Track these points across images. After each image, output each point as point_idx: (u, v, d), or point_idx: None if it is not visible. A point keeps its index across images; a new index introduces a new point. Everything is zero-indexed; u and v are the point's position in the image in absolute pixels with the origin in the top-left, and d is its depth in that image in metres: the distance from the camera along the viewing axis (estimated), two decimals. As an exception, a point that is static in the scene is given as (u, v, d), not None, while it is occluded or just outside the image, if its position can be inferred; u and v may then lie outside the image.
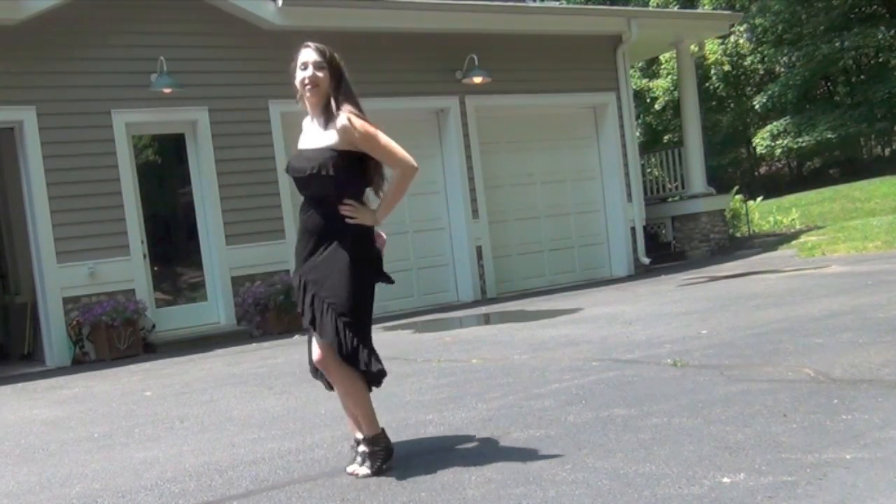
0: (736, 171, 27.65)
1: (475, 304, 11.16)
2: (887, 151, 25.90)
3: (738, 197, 15.92)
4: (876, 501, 2.51)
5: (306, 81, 3.41)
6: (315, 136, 3.44)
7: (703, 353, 5.21)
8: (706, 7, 24.87)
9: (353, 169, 3.38)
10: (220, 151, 9.97)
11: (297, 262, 3.48)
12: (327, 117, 3.41)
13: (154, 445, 4.45)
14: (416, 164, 3.40)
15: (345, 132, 3.36)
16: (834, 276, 8.87)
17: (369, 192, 3.51)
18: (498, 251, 12.01)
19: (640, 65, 25.40)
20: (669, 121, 26.03)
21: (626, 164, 12.95)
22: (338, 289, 3.31)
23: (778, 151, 24.21)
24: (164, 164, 10.64)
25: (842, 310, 6.30)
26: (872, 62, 25.19)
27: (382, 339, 7.97)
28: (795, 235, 14.19)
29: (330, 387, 3.53)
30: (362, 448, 3.41)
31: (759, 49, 25.55)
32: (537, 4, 14.16)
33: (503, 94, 11.89)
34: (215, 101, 9.98)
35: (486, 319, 9.42)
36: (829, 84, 26.48)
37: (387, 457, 3.41)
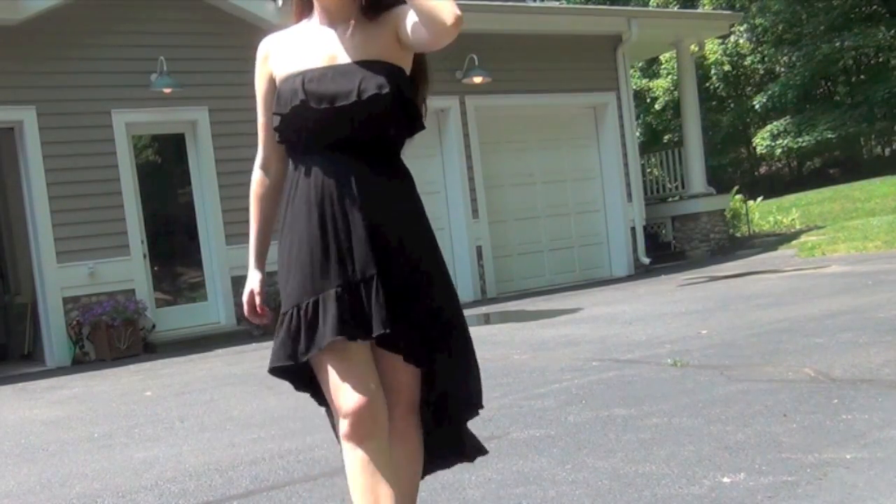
0: (736, 171, 27.64)
1: (475, 304, 11.16)
2: (887, 151, 25.89)
3: (738, 197, 15.92)
4: (876, 501, 2.51)
5: None
6: (349, 44, 2.13)
7: (703, 353, 5.21)
8: (706, 7, 24.86)
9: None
10: (220, 151, 9.97)
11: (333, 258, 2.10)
12: (369, 10, 2.14)
13: (154, 445, 4.45)
14: None
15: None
16: (834, 275, 8.87)
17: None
18: (498, 251, 12.01)
19: (640, 65, 25.39)
20: (669, 121, 26.02)
21: (626, 164, 12.94)
22: (452, 293, 2.22)
23: (778, 151, 24.21)
24: (164, 164, 10.64)
25: (842, 310, 6.30)
26: (872, 62, 25.19)
27: (382, 339, 7.94)
28: (795, 235, 14.19)
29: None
30: None
31: (759, 49, 25.55)
32: (537, 4, 14.15)
33: (503, 94, 11.89)
34: (215, 101, 9.97)
35: (486, 319, 9.42)
36: (829, 84, 26.48)
37: None
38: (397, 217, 2.16)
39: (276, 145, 2.25)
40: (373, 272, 2.07)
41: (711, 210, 13.93)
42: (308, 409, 4.98)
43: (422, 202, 2.26)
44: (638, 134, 17.92)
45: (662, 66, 25.90)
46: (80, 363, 9.01)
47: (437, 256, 2.22)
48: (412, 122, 2.17)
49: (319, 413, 4.50)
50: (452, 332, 2.15)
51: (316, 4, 2.20)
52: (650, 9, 23.60)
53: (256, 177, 2.37)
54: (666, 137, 26.16)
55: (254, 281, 2.35)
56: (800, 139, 23.28)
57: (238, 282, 9.87)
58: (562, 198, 12.79)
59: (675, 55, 16.38)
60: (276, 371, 2.18)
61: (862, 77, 25.06)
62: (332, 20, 2.17)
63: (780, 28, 24.49)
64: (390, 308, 2.06)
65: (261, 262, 2.37)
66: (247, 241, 2.48)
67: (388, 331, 2.02)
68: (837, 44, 22.75)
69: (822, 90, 26.54)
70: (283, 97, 2.14)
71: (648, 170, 15.06)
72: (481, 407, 2.24)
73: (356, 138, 2.12)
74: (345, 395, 2.05)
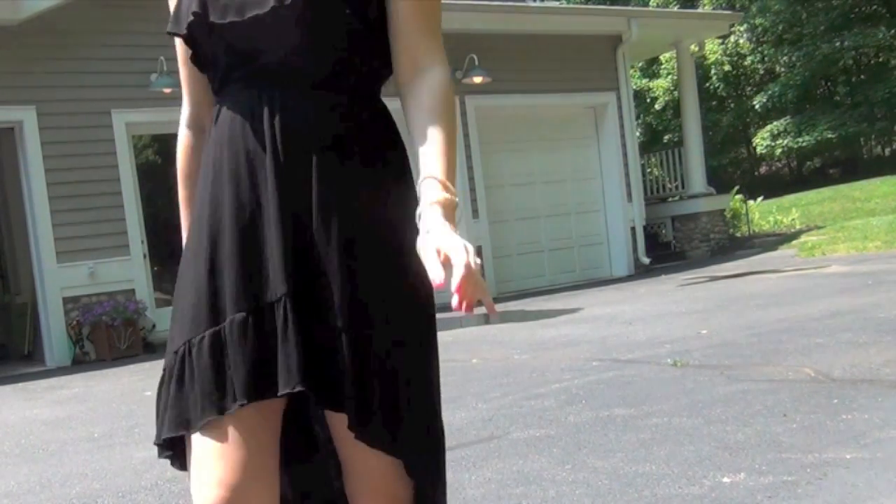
0: (736, 171, 27.66)
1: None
2: (887, 151, 25.90)
3: (738, 197, 15.92)
4: (876, 501, 2.51)
5: None
6: None
7: (703, 353, 5.21)
8: (706, 7, 24.88)
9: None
10: (220, 151, 9.97)
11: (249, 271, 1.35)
12: None
13: (154, 445, 4.44)
14: None
15: None
16: (834, 275, 8.86)
17: None
18: (498, 251, 12.01)
19: (640, 65, 25.39)
20: (669, 121, 26.03)
21: (626, 164, 12.94)
22: (429, 360, 1.43)
23: (778, 151, 24.22)
24: (164, 164, 10.64)
25: (842, 310, 6.30)
26: (872, 62, 25.21)
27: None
28: (795, 235, 14.19)
29: None
30: None
31: (759, 49, 25.56)
32: (537, 4, 14.15)
33: (503, 94, 11.89)
34: (215, 100, 9.97)
35: (486, 319, 9.42)
36: (829, 84, 26.48)
37: None
38: (343, 199, 1.35)
39: (207, 91, 1.50)
40: (282, 292, 1.31)
41: (711, 210, 13.93)
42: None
43: (408, 185, 1.43)
44: (638, 134, 17.92)
45: (662, 66, 25.91)
46: (80, 363, 9.01)
47: (403, 270, 1.34)
48: (374, 43, 1.40)
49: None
50: (399, 392, 1.34)
51: None
52: (650, 9, 23.61)
53: (185, 139, 1.55)
54: (666, 137, 26.16)
55: None
56: (800, 139, 23.29)
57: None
58: (562, 198, 12.79)
59: (675, 55, 16.38)
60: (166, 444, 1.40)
61: (862, 77, 25.07)
62: None
63: (780, 28, 24.50)
64: (312, 347, 1.30)
65: None
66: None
67: (297, 388, 1.28)
68: (837, 44, 22.76)
69: (822, 90, 26.55)
70: (180, 13, 1.42)
71: (648, 170, 15.06)
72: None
73: (287, 67, 1.37)
74: (199, 490, 1.33)
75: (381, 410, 1.32)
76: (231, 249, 1.35)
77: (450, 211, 1.27)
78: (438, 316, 1.43)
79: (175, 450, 1.40)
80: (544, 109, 12.53)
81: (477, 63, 11.40)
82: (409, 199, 1.39)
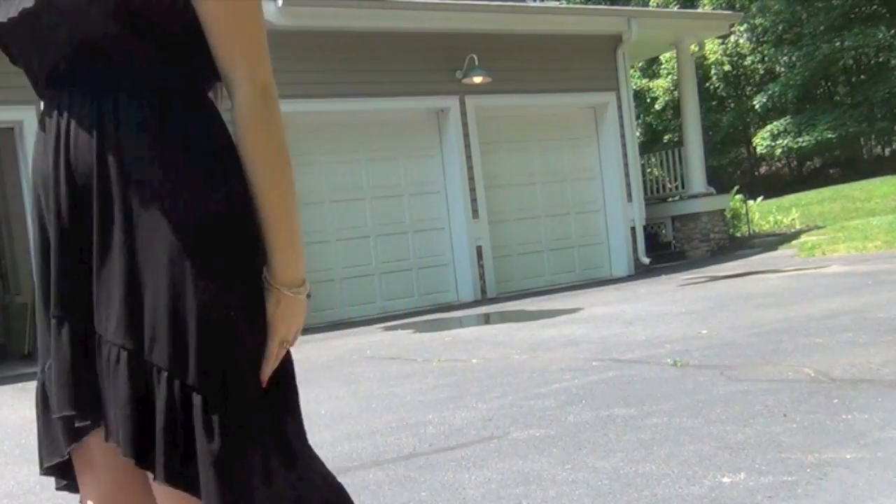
0: (736, 171, 27.67)
1: (475, 304, 11.16)
2: (887, 151, 25.91)
3: (738, 197, 15.92)
4: (876, 501, 2.51)
5: None
6: None
7: (703, 353, 5.21)
8: (706, 7, 24.89)
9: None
10: (220, 151, 9.96)
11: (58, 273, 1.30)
12: None
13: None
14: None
15: None
16: (834, 275, 8.87)
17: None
18: (498, 251, 12.01)
19: (640, 65, 25.40)
20: (669, 121, 26.04)
21: (626, 164, 12.95)
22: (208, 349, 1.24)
23: (778, 151, 24.23)
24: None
25: (842, 309, 6.30)
26: (872, 62, 25.21)
27: (383, 339, 7.97)
28: (795, 235, 14.19)
29: None
30: None
31: (759, 49, 25.57)
32: (537, 4, 14.15)
33: (503, 94, 11.89)
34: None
35: (486, 319, 9.41)
36: (829, 84, 26.49)
37: None
38: (125, 205, 1.24)
39: None
40: (54, 313, 1.29)
41: (711, 210, 13.94)
42: (307, 408, 4.96)
43: (204, 181, 1.27)
44: (638, 134, 17.93)
45: (662, 66, 25.92)
46: (80, 363, 9.00)
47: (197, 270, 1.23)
48: (161, 38, 1.27)
49: (319, 413, 4.42)
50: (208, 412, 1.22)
51: None
52: (650, 9, 23.61)
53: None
54: (666, 137, 26.17)
55: None
56: (800, 139, 23.30)
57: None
58: (562, 198, 12.79)
59: (675, 55, 16.38)
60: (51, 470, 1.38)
61: (862, 77, 25.08)
62: None
63: (780, 28, 24.52)
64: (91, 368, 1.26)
65: None
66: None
67: (64, 414, 1.27)
68: (837, 44, 22.77)
69: (822, 90, 26.55)
70: None
71: (648, 170, 15.06)
72: None
73: (67, 67, 1.27)
74: None
75: (164, 440, 1.22)
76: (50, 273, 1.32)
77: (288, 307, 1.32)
78: (438, 316, 1.37)
79: (67, 477, 1.39)
80: (544, 109, 12.53)
81: (477, 63, 11.40)
82: (201, 198, 1.26)
